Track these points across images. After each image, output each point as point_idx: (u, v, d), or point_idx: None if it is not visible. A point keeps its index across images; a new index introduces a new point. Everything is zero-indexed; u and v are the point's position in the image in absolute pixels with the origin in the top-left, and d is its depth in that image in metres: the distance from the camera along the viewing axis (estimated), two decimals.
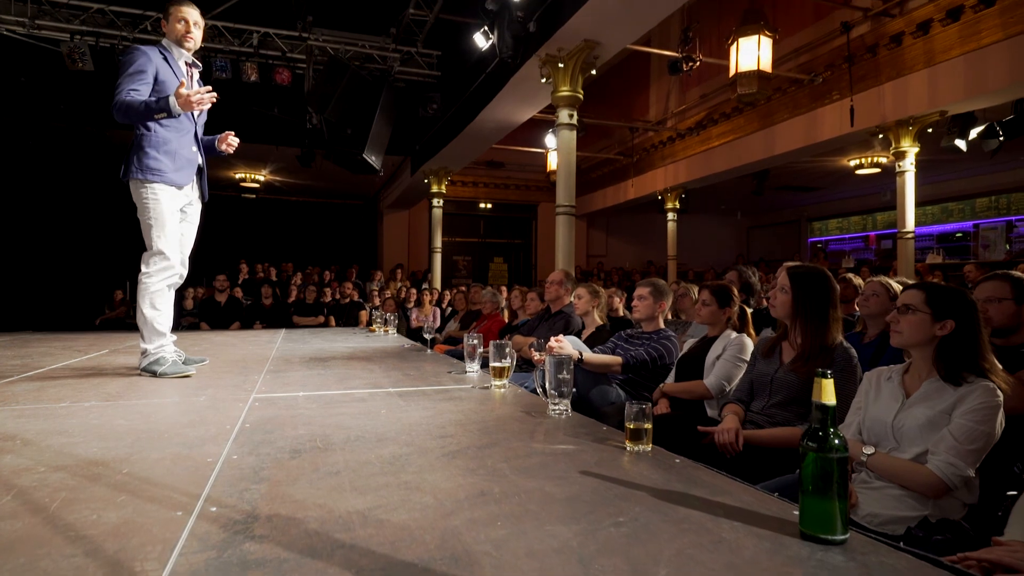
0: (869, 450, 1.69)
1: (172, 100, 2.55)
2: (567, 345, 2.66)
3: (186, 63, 2.82)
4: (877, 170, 9.87)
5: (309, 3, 7.71)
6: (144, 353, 2.68)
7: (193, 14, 2.79)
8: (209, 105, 2.72)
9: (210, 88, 2.66)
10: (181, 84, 2.58)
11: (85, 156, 9.89)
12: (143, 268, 2.70)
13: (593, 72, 5.92)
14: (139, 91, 2.58)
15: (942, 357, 1.66)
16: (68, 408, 1.96)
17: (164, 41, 2.79)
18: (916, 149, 7.00)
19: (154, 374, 2.63)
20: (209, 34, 7.68)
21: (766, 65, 6.75)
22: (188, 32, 2.77)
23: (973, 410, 1.55)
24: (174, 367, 2.65)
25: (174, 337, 2.85)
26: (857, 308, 3.48)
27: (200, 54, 7.42)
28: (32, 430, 1.66)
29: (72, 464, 1.35)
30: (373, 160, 7.37)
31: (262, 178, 12.79)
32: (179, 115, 2.62)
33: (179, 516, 1.05)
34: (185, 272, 2.92)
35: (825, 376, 1.01)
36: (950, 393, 1.61)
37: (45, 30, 7.14)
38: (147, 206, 2.67)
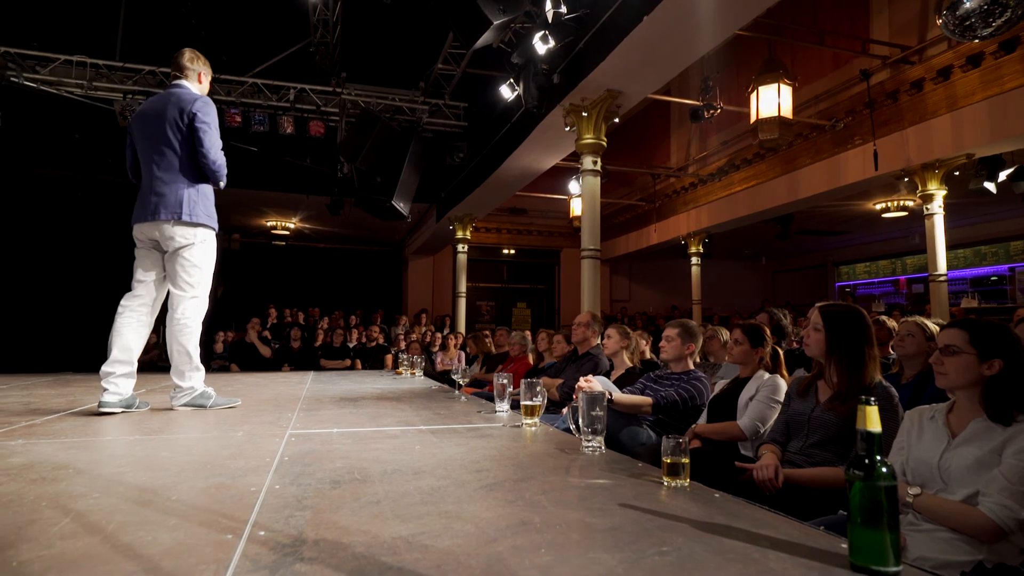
0: (915, 491, 1.64)
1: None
2: (596, 384, 2.66)
3: None
4: (904, 213, 9.79)
5: (343, 60, 8.14)
6: (189, 390, 2.76)
7: None
8: None
9: None
10: None
11: (127, 206, 10.37)
12: (183, 311, 2.74)
13: (616, 120, 6.09)
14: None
15: (989, 397, 1.61)
16: (114, 441, 2.02)
17: (195, 89, 2.94)
18: (943, 192, 6.96)
19: (203, 407, 2.70)
20: (249, 91, 8.15)
21: (787, 112, 6.86)
22: None
23: None
24: (220, 399, 2.74)
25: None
26: (892, 350, 3.42)
27: (240, 109, 7.89)
28: (83, 460, 1.71)
29: (123, 491, 1.39)
30: (401, 207, 7.58)
31: (292, 225, 13.20)
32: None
33: (229, 539, 1.08)
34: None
35: (869, 403, 1.01)
36: (999, 432, 1.57)
37: (100, 91, 7.65)
38: (204, 250, 2.81)
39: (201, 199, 2.79)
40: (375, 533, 1.11)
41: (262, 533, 1.11)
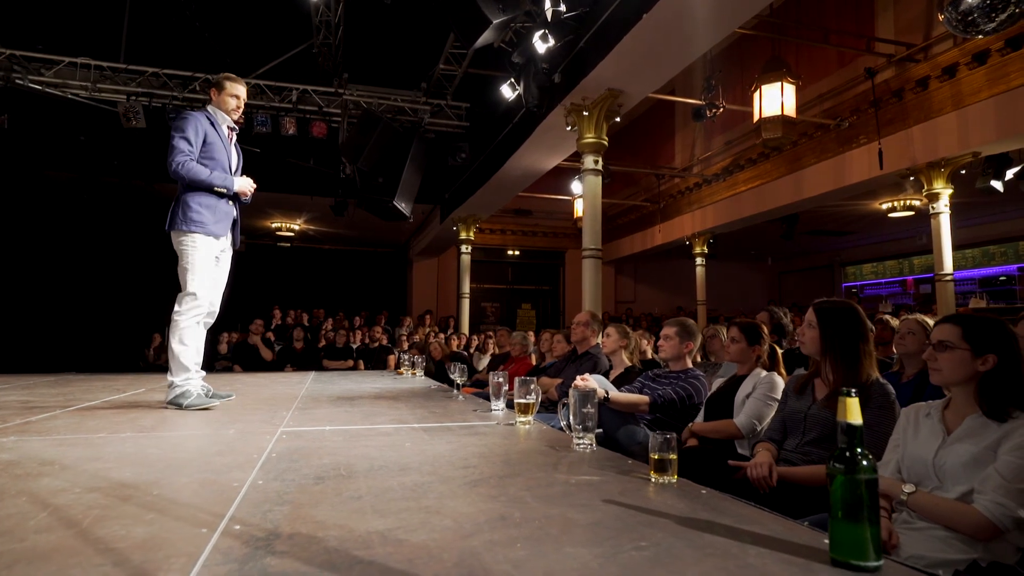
0: (909, 488, 1.61)
1: (235, 183, 2.96)
2: (592, 382, 2.64)
3: (228, 127, 3.13)
4: (911, 213, 9.70)
5: (345, 62, 8.16)
6: (171, 386, 2.83)
7: (243, 91, 3.15)
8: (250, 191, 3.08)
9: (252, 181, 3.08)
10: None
11: (132, 208, 10.46)
12: (176, 307, 2.91)
13: (617, 119, 6.07)
14: (192, 153, 2.87)
15: (984, 393, 1.59)
16: (104, 438, 2.02)
17: (210, 108, 3.08)
18: (950, 191, 6.89)
19: (180, 406, 2.74)
20: (251, 92, 8.17)
21: (790, 111, 6.81)
22: (239, 107, 3.13)
23: (1021, 447, 1.47)
24: (198, 400, 2.79)
25: (203, 374, 2.99)
26: (895, 349, 3.38)
27: (243, 109, 7.93)
28: (70, 456, 1.71)
29: (105, 486, 1.38)
30: (403, 207, 7.58)
31: (297, 227, 13.24)
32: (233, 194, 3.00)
33: (203, 533, 1.07)
34: (216, 313, 3.11)
35: (849, 395, 0.99)
36: (994, 429, 1.54)
37: (105, 93, 7.70)
38: (187, 253, 2.90)
39: (181, 208, 2.90)
40: (351, 528, 1.10)
41: (237, 527, 1.10)
